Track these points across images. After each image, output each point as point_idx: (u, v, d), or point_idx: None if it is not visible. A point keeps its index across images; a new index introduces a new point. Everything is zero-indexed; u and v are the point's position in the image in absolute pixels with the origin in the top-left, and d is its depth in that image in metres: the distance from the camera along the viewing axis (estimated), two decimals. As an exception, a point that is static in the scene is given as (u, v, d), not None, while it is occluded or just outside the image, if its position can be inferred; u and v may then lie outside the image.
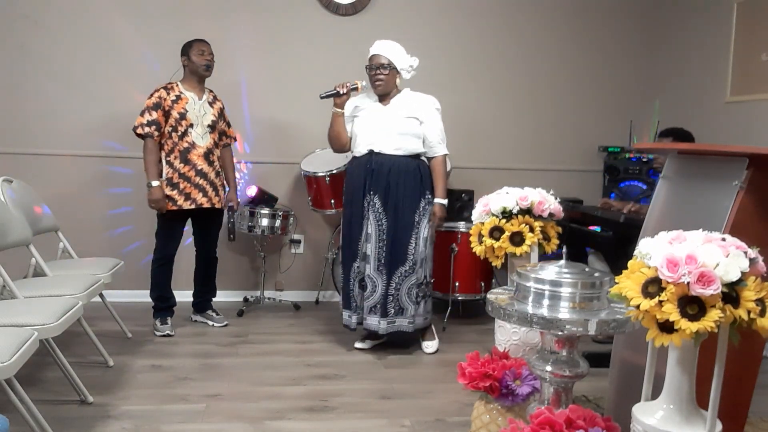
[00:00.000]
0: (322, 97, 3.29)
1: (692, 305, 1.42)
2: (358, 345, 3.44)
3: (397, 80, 3.29)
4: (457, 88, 4.45)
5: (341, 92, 3.27)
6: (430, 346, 3.43)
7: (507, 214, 2.61)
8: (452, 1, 4.49)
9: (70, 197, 4.13)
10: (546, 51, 4.63)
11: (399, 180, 3.24)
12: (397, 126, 3.25)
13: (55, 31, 4.09)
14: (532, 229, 2.57)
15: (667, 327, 1.45)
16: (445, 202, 3.31)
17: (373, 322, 3.27)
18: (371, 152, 3.27)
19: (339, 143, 3.41)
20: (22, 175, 3.46)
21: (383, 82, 3.25)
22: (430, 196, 3.30)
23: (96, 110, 4.16)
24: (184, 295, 3.83)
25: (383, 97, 3.33)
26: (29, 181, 3.43)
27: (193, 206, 3.55)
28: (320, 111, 4.37)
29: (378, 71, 3.24)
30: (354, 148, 3.38)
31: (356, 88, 3.28)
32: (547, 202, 2.66)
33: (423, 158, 3.35)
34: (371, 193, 3.25)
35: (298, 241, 4.45)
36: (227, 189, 3.77)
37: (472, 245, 2.73)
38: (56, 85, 4.12)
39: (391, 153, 3.25)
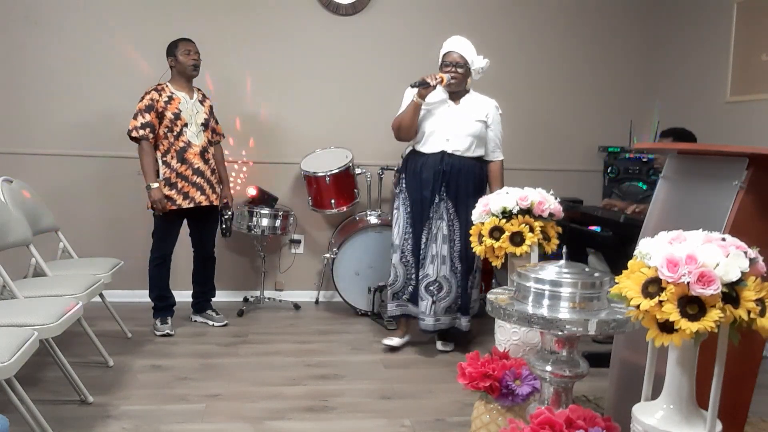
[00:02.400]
0: (412, 86, 3.22)
1: (692, 305, 1.42)
2: (387, 342, 3.43)
3: (469, 80, 3.31)
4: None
5: (431, 83, 3.18)
6: (448, 345, 3.47)
7: (507, 214, 2.60)
8: (452, 1, 4.49)
9: (70, 197, 4.13)
10: (546, 50, 4.63)
11: (469, 182, 3.28)
12: (470, 128, 3.28)
13: (54, 31, 4.09)
14: (532, 229, 2.57)
15: (667, 327, 1.45)
16: None
17: (445, 321, 3.32)
18: (444, 153, 3.27)
19: (410, 134, 3.34)
20: (22, 175, 3.46)
21: (457, 81, 3.25)
22: None
23: (96, 110, 4.16)
24: (183, 295, 3.84)
25: (454, 96, 3.33)
26: (29, 181, 3.43)
27: (192, 205, 3.55)
28: (320, 111, 4.39)
29: (454, 68, 3.24)
30: (421, 143, 3.34)
31: (441, 81, 3.21)
32: (547, 202, 2.66)
33: (483, 161, 3.39)
34: (443, 194, 3.26)
35: (298, 241, 4.45)
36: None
37: (472, 245, 2.72)
38: (56, 85, 4.12)
39: (462, 155, 3.28)
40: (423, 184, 3.29)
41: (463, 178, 3.27)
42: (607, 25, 4.68)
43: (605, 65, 4.70)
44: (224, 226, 3.82)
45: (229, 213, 3.85)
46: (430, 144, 3.31)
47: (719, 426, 1.55)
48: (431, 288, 3.28)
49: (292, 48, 4.34)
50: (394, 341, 3.44)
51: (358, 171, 4.12)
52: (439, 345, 3.45)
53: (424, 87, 3.20)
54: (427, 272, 3.29)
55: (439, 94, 3.33)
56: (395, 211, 3.42)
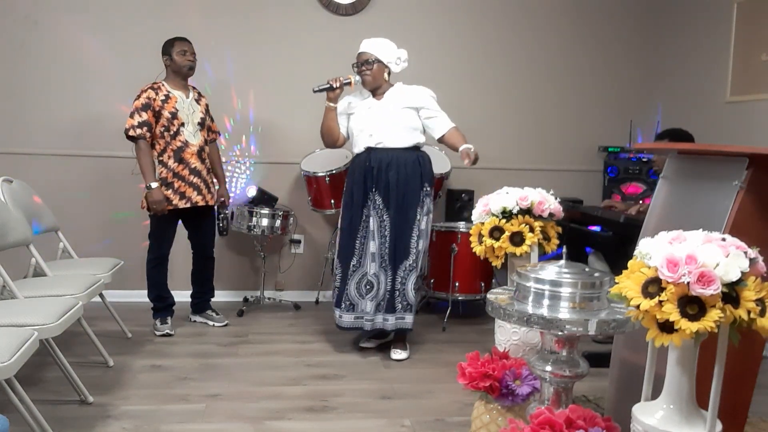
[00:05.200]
0: (315, 91, 3.28)
1: (692, 305, 1.42)
2: (364, 344, 3.42)
3: (386, 74, 3.29)
4: (457, 87, 4.44)
5: (335, 86, 3.25)
6: (401, 353, 3.31)
7: (507, 214, 2.60)
8: (453, 1, 4.49)
9: (70, 197, 4.13)
10: (546, 50, 4.63)
11: (399, 174, 3.22)
12: (393, 119, 3.25)
13: (55, 31, 4.09)
14: (532, 229, 2.57)
15: (667, 327, 1.45)
16: (471, 145, 3.17)
17: (379, 320, 3.24)
18: (369, 149, 3.27)
19: (331, 138, 3.38)
20: (22, 175, 3.46)
21: (370, 77, 3.26)
22: (428, 188, 3.28)
23: (96, 110, 4.16)
24: (183, 296, 3.83)
25: (375, 92, 3.33)
26: (29, 181, 3.43)
27: (188, 205, 3.54)
28: (320, 111, 4.38)
29: (363, 67, 3.26)
30: (353, 146, 3.38)
31: (349, 83, 3.27)
32: (547, 202, 2.66)
33: (422, 149, 3.35)
34: (373, 190, 3.25)
35: (298, 241, 4.45)
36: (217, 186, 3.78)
37: (472, 245, 2.72)
38: (56, 84, 4.12)
39: (390, 147, 3.25)
40: (354, 182, 3.30)
41: (392, 171, 3.22)
42: (608, 25, 4.68)
43: (605, 65, 4.71)
44: (221, 225, 3.82)
45: (226, 212, 3.84)
46: (358, 144, 3.33)
47: (719, 426, 1.55)
48: (365, 286, 3.27)
49: (292, 48, 4.34)
50: (371, 342, 3.43)
51: (358, 171, 4.11)
52: (393, 354, 3.29)
53: (329, 90, 3.25)
54: (364, 270, 3.27)
55: (363, 94, 3.36)
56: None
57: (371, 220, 3.25)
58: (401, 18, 4.40)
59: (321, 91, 3.28)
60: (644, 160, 4.36)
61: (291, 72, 4.34)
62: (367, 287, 3.27)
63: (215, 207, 3.79)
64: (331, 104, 3.32)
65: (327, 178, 3.94)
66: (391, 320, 3.23)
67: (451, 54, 4.50)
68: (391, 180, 3.22)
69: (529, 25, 4.59)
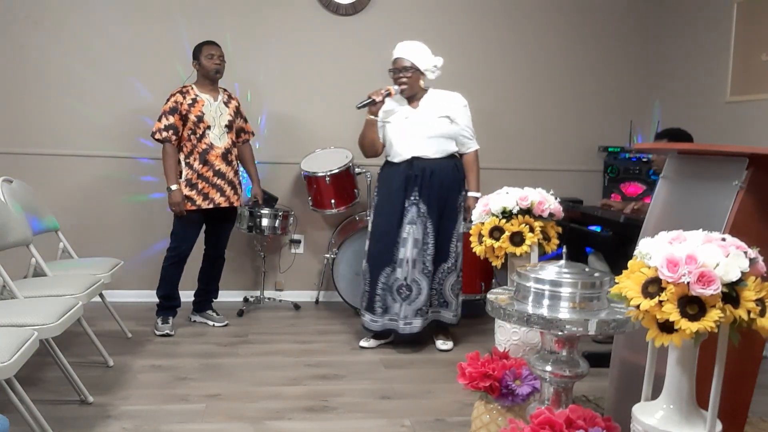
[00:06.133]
0: (358, 107, 3.28)
1: (692, 305, 1.42)
2: (363, 344, 3.45)
3: (421, 81, 3.30)
4: (457, 88, 4.40)
5: (377, 100, 3.25)
6: (446, 343, 3.46)
7: (507, 214, 2.60)
8: (452, 0, 4.49)
9: (70, 197, 4.13)
10: (546, 50, 4.63)
11: (443, 182, 3.29)
12: (432, 129, 3.29)
13: (55, 31, 4.09)
14: (532, 229, 2.57)
15: (667, 327, 1.45)
16: (479, 195, 3.27)
17: (417, 324, 3.30)
18: (411, 159, 3.28)
19: (373, 150, 3.41)
20: (22, 175, 3.45)
21: (407, 85, 3.26)
22: (464, 194, 3.40)
23: (96, 110, 4.16)
24: (185, 295, 3.83)
25: (411, 99, 3.35)
26: (29, 181, 3.43)
27: (211, 206, 3.57)
28: (320, 111, 4.39)
29: (401, 74, 3.25)
30: (390, 154, 3.38)
31: (389, 94, 3.27)
32: (547, 202, 2.66)
33: (456, 156, 3.41)
34: (415, 197, 3.27)
35: (298, 241, 4.45)
36: (245, 185, 3.82)
37: (472, 245, 2.72)
38: (56, 84, 4.11)
39: (431, 156, 3.29)
40: (392, 190, 3.31)
41: (436, 180, 3.28)
42: (607, 25, 4.68)
43: (605, 65, 4.70)
44: (250, 224, 3.84)
45: (261, 211, 3.86)
46: (397, 153, 3.33)
47: (719, 426, 1.55)
48: (402, 290, 3.30)
49: (292, 48, 4.34)
50: (370, 342, 3.46)
51: (357, 171, 4.12)
52: (438, 344, 3.45)
53: (372, 105, 3.25)
54: (397, 276, 3.30)
55: (396, 102, 3.36)
56: (368, 219, 3.48)
57: (412, 228, 3.27)
58: (401, 18, 4.40)
59: (364, 106, 3.27)
60: (644, 160, 4.36)
61: (291, 72, 4.34)
62: (406, 292, 3.30)
63: (246, 208, 3.84)
64: (373, 117, 3.32)
65: (327, 178, 3.94)
66: (419, 323, 3.31)
67: (450, 54, 4.46)
68: (434, 188, 3.27)
69: (529, 25, 4.59)
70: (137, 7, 4.15)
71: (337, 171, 3.94)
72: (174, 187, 3.48)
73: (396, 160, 3.35)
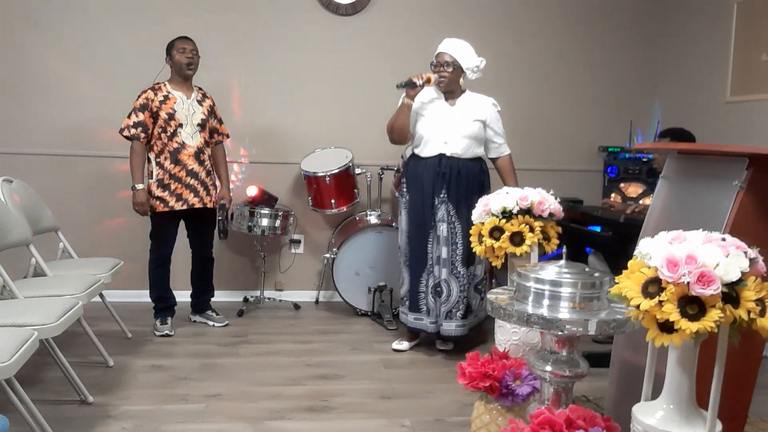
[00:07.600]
0: (398, 87, 3.23)
1: (692, 305, 1.42)
2: (396, 346, 3.44)
3: (461, 80, 3.30)
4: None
5: (417, 83, 3.19)
6: (447, 344, 3.44)
7: (507, 214, 2.60)
8: (452, 1, 4.49)
9: (70, 197, 4.13)
10: (546, 50, 4.63)
11: (469, 184, 3.27)
12: (467, 129, 3.27)
13: (54, 31, 4.09)
14: (532, 229, 2.57)
15: (667, 327, 1.45)
16: None
17: (450, 327, 3.29)
18: (441, 156, 3.26)
19: (401, 137, 3.35)
20: (22, 175, 3.45)
21: (446, 80, 3.24)
22: None
23: (96, 110, 4.16)
24: (183, 296, 3.83)
25: (449, 96, 3.33)
26: (29, 181, 3.42)
27: (184, 207, 3.53)
28: (320, 110, 4.39)
29: (441, 68, 3.23)
30: (419, 147, 3.35)
31: (429, 81, 3.22)
32: (547, 202, 2.66)
33: (483, 160, 3.40)
34: (443, 195, 3.26)
35: (298, 241, 4.45)
36: (218, 187, 3.75)
37: (472, 245, 2.72)
38: (56, 85, 4.12)
39: (460, 156, 3.27)
40: (423, 187, 3.29)
41: (463, 180, 3.26)
42: (607, 25, 4.68)
43: (605, 65, 4.70)
44: (220, 227, 3.71)
45: (226, 214, 3.77)
46: (428, 147, 3.30)
47: (719, 426, 1.55)
48: (437, 290, 3.29)
49: (292, 48, 4.34)
50: (404, 345, 3.45)
51: (358, 171, 4.12)
52: (438, 344, 3.45)
53: (411, 87, 3.21)
54: (434, 273, 3.30)
55: (433, 95, 3.34)
56: (400, 216, 3.44)
57: (441, 226, 3.26)
58: (401, 18, 4.40)
59: (403, 87, 3.22)
60: (644, 160, 4.35)
61: (291, 71, 4.34)
62: (439, 291, 3.29)
63: (217, 209, 3.75)
64: (410, 101, 3.27)
65: (327, 178, 3.94)
66: (459, 330, 3.30)
67: (451, 54, 4.49)
68: (461, 189, 3.25)
69: (529, 25, 4.59)
70: (136, 8, 4.15)
71: (337, 171, 3.94)
72: (139, 186, 3.43)
73: (424, 154, 3.31)
